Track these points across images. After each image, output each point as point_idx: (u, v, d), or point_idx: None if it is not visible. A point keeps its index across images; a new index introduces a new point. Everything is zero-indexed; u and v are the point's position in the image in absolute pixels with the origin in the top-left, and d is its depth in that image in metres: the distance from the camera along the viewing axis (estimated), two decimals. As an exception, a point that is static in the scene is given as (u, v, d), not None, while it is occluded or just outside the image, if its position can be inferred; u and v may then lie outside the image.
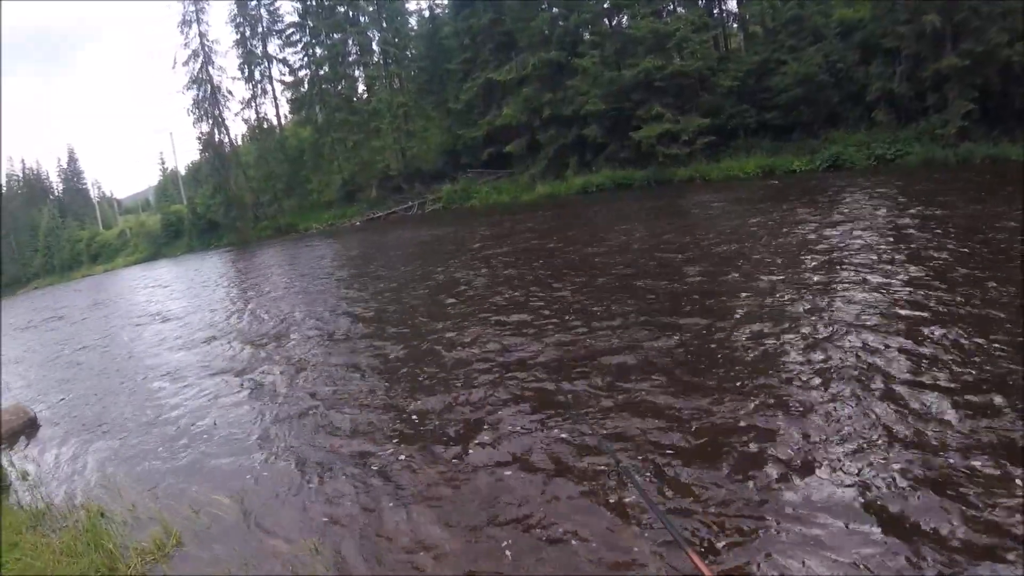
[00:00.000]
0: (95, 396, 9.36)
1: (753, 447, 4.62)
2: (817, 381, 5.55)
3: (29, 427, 8.46)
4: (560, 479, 4.57)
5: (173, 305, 17.81)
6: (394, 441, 5.65)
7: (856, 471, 4.15)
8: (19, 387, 11.56)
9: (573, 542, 3.89)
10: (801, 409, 5.09)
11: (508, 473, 4.78)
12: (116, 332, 15.48)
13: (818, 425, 4.81)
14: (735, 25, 31.64)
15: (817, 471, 4.24)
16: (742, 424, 4.98)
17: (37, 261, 64.65)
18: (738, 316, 7.57)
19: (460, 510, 4.41)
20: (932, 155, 20.84)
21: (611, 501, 4.22)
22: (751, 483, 4.20)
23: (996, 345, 5.70)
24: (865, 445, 4.43)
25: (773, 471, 4.30)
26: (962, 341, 5.90)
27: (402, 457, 5.31)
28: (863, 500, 3.86)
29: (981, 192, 14.60)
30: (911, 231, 10.98)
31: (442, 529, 4.22)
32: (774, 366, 6.03)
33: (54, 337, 17.79)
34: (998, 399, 4.71)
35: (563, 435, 5.19)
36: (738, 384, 5.69)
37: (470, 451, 5.22)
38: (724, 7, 31.37)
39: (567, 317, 8.52)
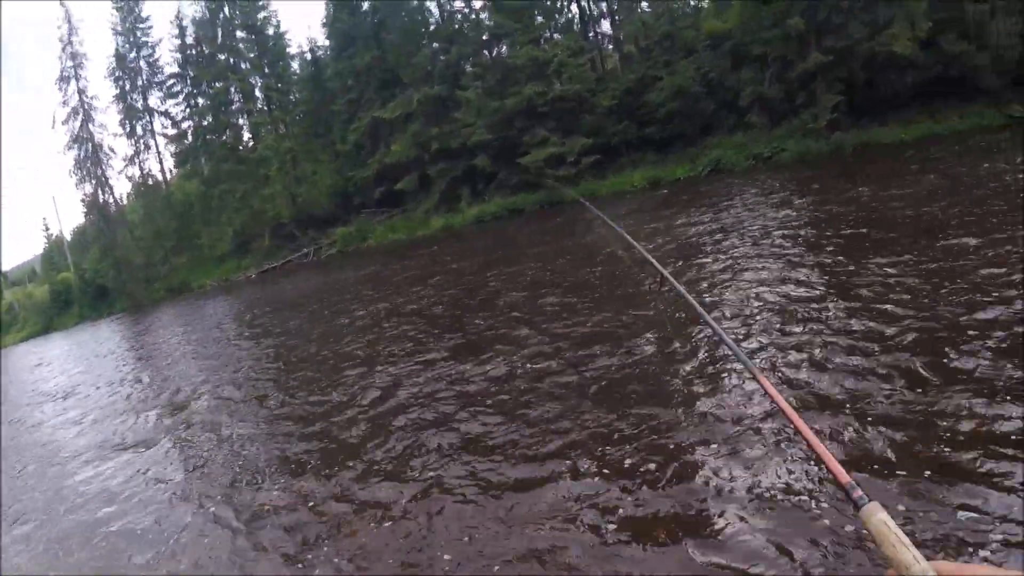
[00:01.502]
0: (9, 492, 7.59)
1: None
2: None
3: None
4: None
5: (69, 381, 15.43)
6: (319, 498, 4.83)
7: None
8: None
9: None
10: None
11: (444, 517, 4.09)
12: (11, 416, 12.99)
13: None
14: (610, 46, 31.41)
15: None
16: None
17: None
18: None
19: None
20: (806, 149, 20.66)
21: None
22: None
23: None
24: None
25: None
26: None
27: (328, 514, 4.54)
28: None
29: (846, 176, 14.95)
30: (786, 218, 11.17)
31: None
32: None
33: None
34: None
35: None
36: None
37: (395, 495, 4.54)
38: (598, 30, 31.20)
39: (469, 351, 7.65)
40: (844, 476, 1.28)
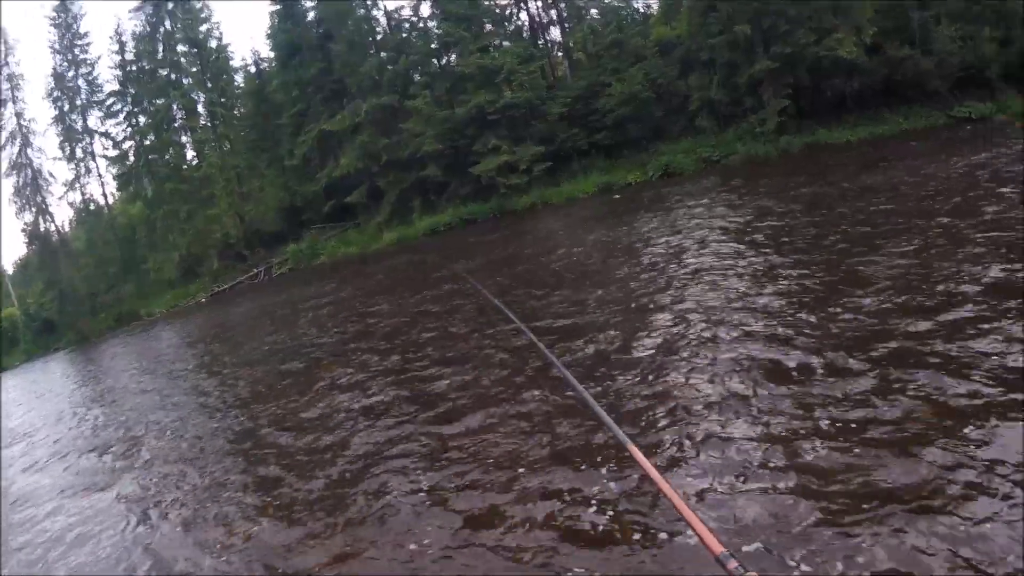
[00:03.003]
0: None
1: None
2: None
3: None
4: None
5: (15, 423, 14.08)
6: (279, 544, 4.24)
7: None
8: None
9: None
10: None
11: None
12: None
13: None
14: (560, 54, 30.76)
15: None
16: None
17: None
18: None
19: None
20: (755, 152, 20.44)
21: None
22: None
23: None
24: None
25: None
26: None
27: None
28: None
29: (791, 177, 14.99)
30: (737, 219, 11.02)
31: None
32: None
33: None
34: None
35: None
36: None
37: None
38: (548, 37, 30.60)
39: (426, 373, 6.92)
40: (717, 546, 1.17)
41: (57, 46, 37.03)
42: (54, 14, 36.73)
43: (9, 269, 51.29)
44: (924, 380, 3.75)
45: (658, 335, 5.71)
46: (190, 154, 36.44)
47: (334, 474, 5.03)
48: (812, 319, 5.12)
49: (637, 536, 3.01)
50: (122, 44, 35.95)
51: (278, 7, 31.98)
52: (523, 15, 30.16)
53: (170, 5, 34.53)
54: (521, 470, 3.93)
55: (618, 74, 24.93)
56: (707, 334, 5.34)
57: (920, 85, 20.23)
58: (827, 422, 3.52)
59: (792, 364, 4.38)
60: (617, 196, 21.22)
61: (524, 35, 29.65)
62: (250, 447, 6.59)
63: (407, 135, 28.01)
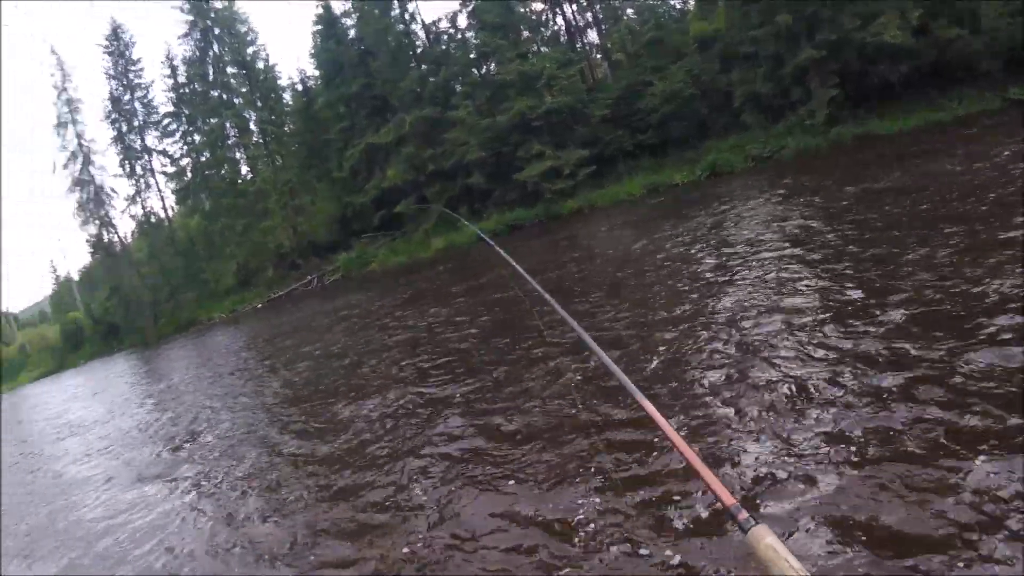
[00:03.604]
0: (23, 522, 7.28)
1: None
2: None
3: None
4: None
5: (82, 416, 15.05)
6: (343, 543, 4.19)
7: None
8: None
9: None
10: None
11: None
12: (32, 449, 12.92)
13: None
14: (598, 56, 30.48)
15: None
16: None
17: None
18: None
19: None
20: (806, 145, 19.62)
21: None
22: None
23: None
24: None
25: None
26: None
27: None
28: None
29: (843, 172, 14.34)
30: (791, 220, 10.21)
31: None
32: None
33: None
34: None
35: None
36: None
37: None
38: (585, 40, 30.28)
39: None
40: (729, 498, 1.14)
41: (112, 72, 38.59)
42: (107, 43, 38.04)
43: (75, 276, 53.84)
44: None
45: (694, 343, 5.65)
46: (244, 170, 37.59)
47: (358, 473, 5.19)
48: (840, 335, 4.87)
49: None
50: (174, 68, 37.19)
51: (320, 27, 32.34)
52: (559, 19, 30.04)
53: (216, 30, 35.29)
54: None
55: (659, 72, 24.55)
56: (745, 344, 5.24)
57: (970, 67, 19.39)
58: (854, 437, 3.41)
59: (814, 383, 4.21)
60: (661, 199, 20.75)
61: (561, 39, 29.49)
62: (282, 446, 6.78)
63: (451, 145, 28.20)
